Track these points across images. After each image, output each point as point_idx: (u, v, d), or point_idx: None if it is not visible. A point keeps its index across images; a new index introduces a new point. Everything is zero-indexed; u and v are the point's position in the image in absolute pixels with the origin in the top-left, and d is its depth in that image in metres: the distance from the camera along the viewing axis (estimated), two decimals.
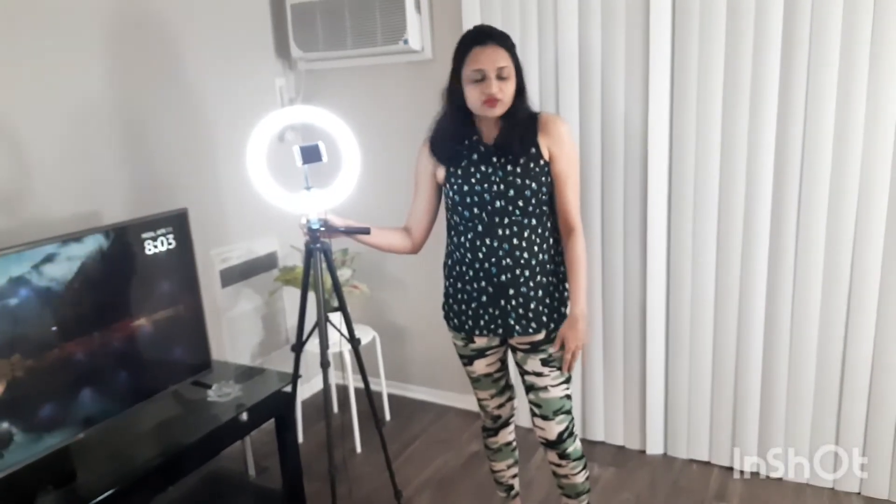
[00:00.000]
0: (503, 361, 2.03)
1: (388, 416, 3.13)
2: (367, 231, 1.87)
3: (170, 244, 2.08)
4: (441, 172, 1.85)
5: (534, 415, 1.93)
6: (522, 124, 1.74)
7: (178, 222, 2.11)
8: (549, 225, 1.82)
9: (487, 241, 1.79)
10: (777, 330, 2.37)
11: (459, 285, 1.89)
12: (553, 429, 1.90)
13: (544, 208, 1.80)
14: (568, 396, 1.91)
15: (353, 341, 2.10)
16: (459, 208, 1.81)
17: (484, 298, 1.84)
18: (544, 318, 1.84)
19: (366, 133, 2.05)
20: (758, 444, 2.50)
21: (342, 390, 3.11)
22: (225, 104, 2.78)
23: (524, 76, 1.75)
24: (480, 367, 1.99)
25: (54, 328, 1.77)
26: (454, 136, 1.81)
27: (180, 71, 2.59)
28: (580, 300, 1.77)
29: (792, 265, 2.30)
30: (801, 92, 2.15)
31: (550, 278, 1.84)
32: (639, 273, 2.55)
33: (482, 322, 1.87)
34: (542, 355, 1.86)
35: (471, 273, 1.84)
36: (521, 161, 1.74)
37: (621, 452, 2.76)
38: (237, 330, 2.90)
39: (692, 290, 2.48)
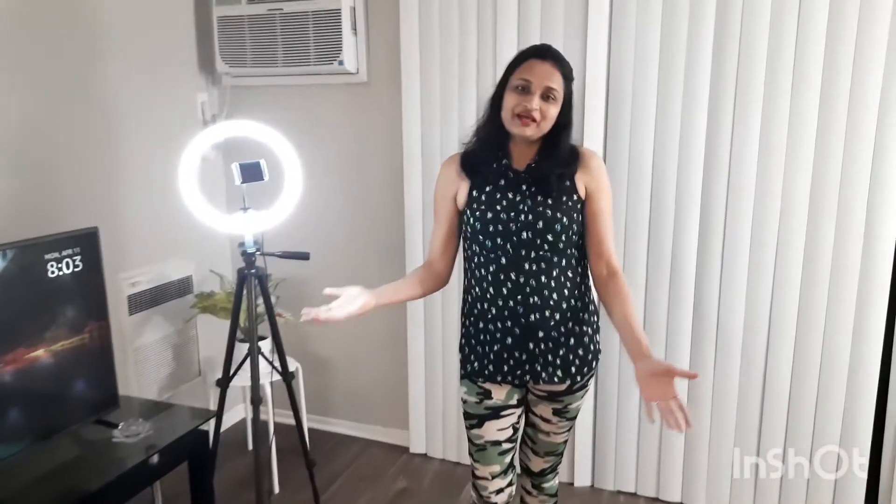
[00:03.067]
0: (516, 429, 1.78)
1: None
2: (305, 256, 1.76)
3: (76, 266, 1.88)
4: (462, 196, 1.68)
5: (524, 443, 1.86)
6: (564, 156, 1.61)
7: (86, 242, 1.92)
8: (579, 270, 1.67)
9: (513, 276, 1.62)
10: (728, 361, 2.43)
11: (481, 325, 1.69)
12: (538, 464, 1.86)
13: (573, 250, 1.64)
14: (565, 441, 1.84)
15: (286, 375, 1.97)
16: (480, 237, 1.64)
17: (509, 340, 1.65)
18: (572, 370, 1.67)
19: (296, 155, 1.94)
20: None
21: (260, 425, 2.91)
22: (140, 117, 2.57)
23: (572, 113, 1.63)
24: (491, 431, 1.73)
25: None
26: (483, 150, 1.66)
27: (92, 78, 2.38)
28: (644, 341, 1.53)
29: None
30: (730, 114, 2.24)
31: (584, 328, 1.68)
32: None
33: (506, 368, 1.67)
34: (558, 405, 1.73)
35: (493, 311, 1.66)
36: (554, 193, 1.60)
37: None
38: (144, 361, 2.65)
39: None
